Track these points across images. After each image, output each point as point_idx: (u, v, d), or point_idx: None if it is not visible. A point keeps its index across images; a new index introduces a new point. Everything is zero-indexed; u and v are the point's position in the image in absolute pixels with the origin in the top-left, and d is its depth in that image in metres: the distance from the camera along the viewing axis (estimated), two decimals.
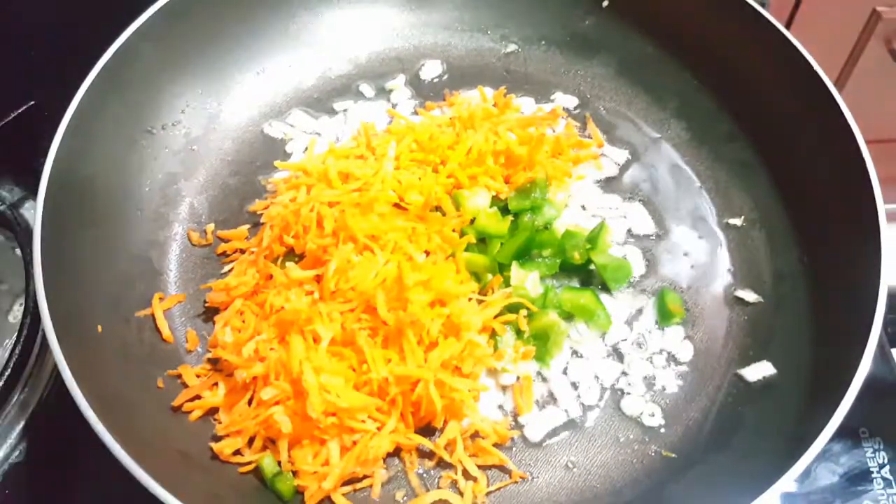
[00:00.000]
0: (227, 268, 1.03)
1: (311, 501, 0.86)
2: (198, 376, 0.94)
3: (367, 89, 1.21)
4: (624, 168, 1.14)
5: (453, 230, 1.00)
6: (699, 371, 0.98)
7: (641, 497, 0.89)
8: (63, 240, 0.90)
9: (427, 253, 0.98)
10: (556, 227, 1.06)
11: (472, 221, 1.03)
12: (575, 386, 0.97)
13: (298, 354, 0.87)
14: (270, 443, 0.90)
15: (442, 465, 0.91)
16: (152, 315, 0.98)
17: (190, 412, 0.91)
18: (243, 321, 0.96)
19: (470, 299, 0.96)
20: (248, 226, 1.06)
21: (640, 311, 1.02)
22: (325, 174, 1.05)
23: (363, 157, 1.10)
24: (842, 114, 0.96)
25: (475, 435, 0.92)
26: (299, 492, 0.87)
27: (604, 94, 1.21)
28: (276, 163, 1.11)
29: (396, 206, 1.02)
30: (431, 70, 1.22)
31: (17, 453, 0.95)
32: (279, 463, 0.88)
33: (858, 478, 0.93)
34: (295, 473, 0.88)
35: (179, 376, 0.94)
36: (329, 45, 1.22)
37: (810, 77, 1.00)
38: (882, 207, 0.90)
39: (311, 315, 0.90)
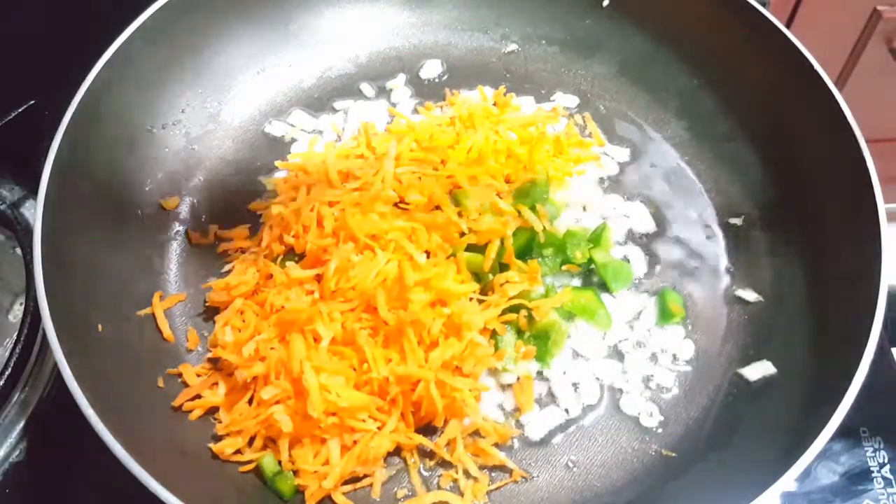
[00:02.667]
0: (227, 267, 1.03)
1: (312, 500, 0.86)
2: (198, 375, 0.94)
3: (367, 89, 1.21)
4: (625, 167, 1.14)
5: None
6: (699, 371, 0.98)
7: (641, 496, 0.89)
8: (63, 239, 0.90)
9: (428, 253, 0.98)
10: (557, 226, 1.06)
11: None
12: (575, 385, 0.97)
13: (299, 354, 0.87)
14: (271, 442, 0.90)
15: (443, 463, 0.91)
16: (153, 314, 0.98)
17: (190, 411, 0.91)
18: (243, 321, 0.96)
19: (471, 299, 0.96)
20: (248, 225, 1.06)
21: (640, 311, 1.02)
22: (325, 174, 1.05)
23: (363, 156, 1.10)
24: (842, 113, 0.96)
25: (476, 434, 0.92)
26: (300, 491, 0.87)
27: (604, 94, 1.21)
28: (278, 163, 1.12)
29: (397, 205, 1.02)
30: (431, 69, 1.22)
31: (17, 453, 0.95)
32: (279, 462, 0.88)
33: (858, 477, 0.93)
34: (295, 473, 0.88)
35: (180, 375, 0.94)
36: (329, 45, 1.22)
37: (810, 77, 1.00)
38: (882, 207, 0.90)
39: (311, 315, 0.90)
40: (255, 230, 1.06)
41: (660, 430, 0.94)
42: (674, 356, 0.99)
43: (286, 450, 0.88)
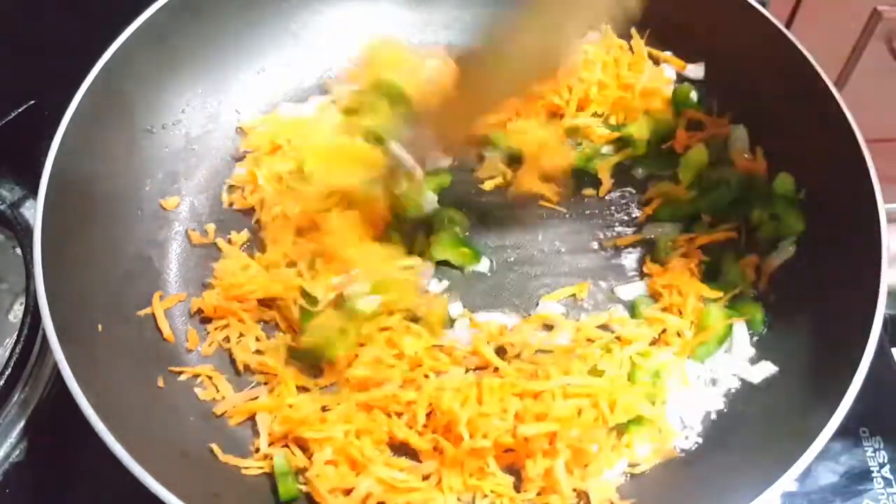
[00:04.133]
0: (215, 265, 1.02)
1: None
2: (197, 376, 0.95)
3: None
4: None
5: None
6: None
7: (641, 496, 0.89)
8: (63, 239, 0.90)
9: None
10: None
11: None
12: None
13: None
14: (299, 448, 0.89)
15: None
16: (153, 314, 0.98)
17: (191, 412, 0.92)
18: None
19: None
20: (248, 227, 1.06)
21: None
22: None
23: None
24: (842, 114, 0.96)
25: None
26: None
27: None
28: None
29: None
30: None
31: (17, 453, 0.94)
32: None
33: (858, 477, 0.93)
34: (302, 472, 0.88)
35: (180, 375, 0.95)
36: (329, 45, 1.22)
37: (810, 77, 1.00)
38: (882, 207, 0.90)
39: None
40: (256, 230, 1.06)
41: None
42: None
43: (320, 464, 0.86)
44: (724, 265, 1.01)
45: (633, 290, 1.02)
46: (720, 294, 0.98)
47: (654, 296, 1.01)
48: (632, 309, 1.01)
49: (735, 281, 1.00)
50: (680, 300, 0.98)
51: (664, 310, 0.98)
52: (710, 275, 1.01)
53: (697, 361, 0.96)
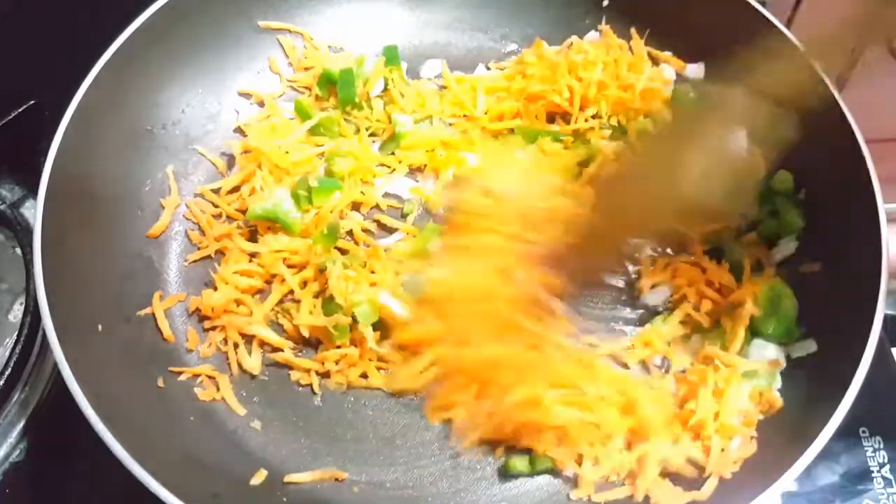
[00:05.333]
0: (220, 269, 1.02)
1: None
2: (197, 376, 0.95)
3: None
4: None
5: None
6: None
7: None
8: (63, 239, 0.90)
9: None
10: None
11: None
12: None
13: None
14: None
15: None
16: (153, 314, 0.98)
17: (191, 412, 0.92)
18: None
19: None
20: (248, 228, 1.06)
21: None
22: None
23: None
24: (842, 114, 0.96)
25: None
26: None
27: None
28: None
29: None
30: (432, 69, 1.22)
31: (17, 453, 0.95)
32: None
33: (858, 477, 0.93)
34: None
35: (180, 374, 0.95)
36: (329, 44, 1.22)
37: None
38: (882, 207, 0.90)
39: None
40: (255, 229, 1.06)
41: None
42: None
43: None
44: (725, 245, 1.01)
45: (657, 295, 1.02)
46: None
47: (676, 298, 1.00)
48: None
49: (739, 259, 0.99)
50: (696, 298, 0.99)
51: (687, 316, 0.98)
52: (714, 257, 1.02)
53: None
